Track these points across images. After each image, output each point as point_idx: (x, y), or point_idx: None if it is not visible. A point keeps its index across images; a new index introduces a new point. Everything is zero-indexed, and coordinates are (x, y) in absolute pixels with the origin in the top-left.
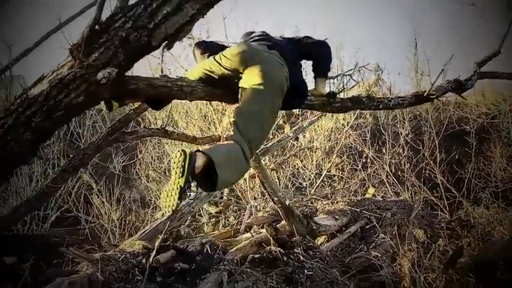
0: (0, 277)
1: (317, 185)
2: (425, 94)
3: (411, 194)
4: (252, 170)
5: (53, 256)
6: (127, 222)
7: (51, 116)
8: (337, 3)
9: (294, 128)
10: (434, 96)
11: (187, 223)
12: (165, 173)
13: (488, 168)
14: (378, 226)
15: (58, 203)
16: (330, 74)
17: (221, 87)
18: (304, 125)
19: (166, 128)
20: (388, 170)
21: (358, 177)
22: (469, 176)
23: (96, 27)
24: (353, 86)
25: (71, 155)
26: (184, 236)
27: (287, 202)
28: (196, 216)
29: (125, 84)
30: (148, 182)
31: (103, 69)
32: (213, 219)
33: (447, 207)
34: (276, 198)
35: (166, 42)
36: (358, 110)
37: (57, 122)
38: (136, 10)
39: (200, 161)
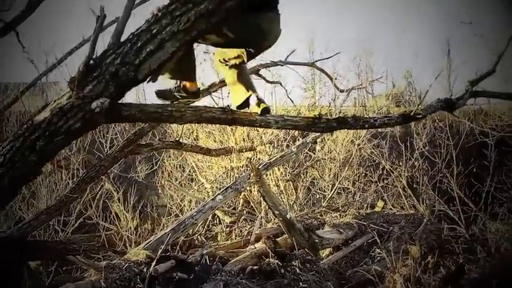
0: (23, 280)
1: (329, 197)
2: (412, 113)
3: (430, 205)
4: None
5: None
6: (143, 229)
7: (53, 140)
8: (365, 9)
9: (297, 144)
10: (421, 115)
11: (203, 232)
12: (189, 181)
13: (509, 181)
14: (379, 241)
15: (80, 210)
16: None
17: None
18: (307, 141)
19: (181, 140)
20: (405, 183)
21: (373, 189)
22: (487, 189)
23: (91, 62)
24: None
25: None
26: (198, 245)
27: (288, 216)
28: (211, 225)
29: (119, 111)
30: (169, 189)
31: (97, 100)
32: (227, 229)
33: (463, 221)
34: (276, 212)
35: (150, 76)
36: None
37: (58, 146)
38: (124, 48)
39: None
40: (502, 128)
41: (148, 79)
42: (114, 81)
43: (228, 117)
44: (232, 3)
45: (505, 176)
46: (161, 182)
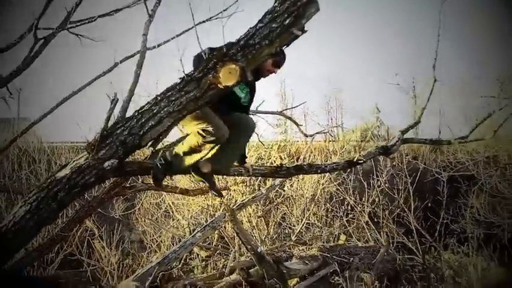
0: None
1: (298, 231)
2: (355, 160)
3: (387, 239)
4: None
5: None
6: (125, 265)
7: (71, 191)
8: (334, 48)
9: (266, 187)
10: (362, 161)
11: (180, 266)
12: (166, 218)
13: (461, 214)
14: (339, 270)
15: (63, 247)
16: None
17: None
18: (276, 183)
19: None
20: (368, 217)
21: (338, 223)
22: (441, 222)
23: (104, 132)
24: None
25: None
26: (176, 278)
27: (259, 249)
28: (188, 260)
29: (123, 168)
30: (146, 226)
31: (108, 160)
32: (203, 263)
33: (420, 252)
34: (249, 246)
35: (151, 142)
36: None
37: (74, 196)
38: (131, 122)
39: None
40: (455, 165)
41: (149, 145)
42: (122, 147)
43: None
44: (213, 91)
45: (458, 209)
46: (138, 219)
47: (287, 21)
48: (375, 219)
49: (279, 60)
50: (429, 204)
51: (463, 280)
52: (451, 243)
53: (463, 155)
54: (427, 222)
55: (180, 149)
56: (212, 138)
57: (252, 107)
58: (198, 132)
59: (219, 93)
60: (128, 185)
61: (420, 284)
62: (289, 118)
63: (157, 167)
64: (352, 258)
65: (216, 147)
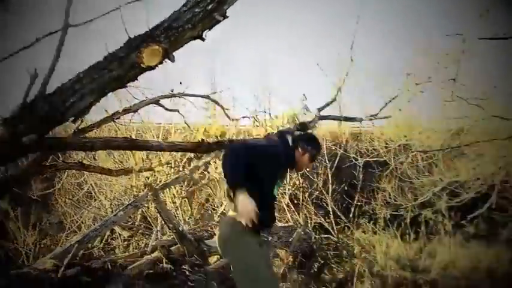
0: None
1: (220, 212)
2: None
3: (305, 219)
4: None
5: None
6: (42, 245)
7: None
8: (264, 33)
9: (190, 167)
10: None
11: (101, 246)
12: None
13: (373, 197)
14: None
15: None
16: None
17: None
18: (200, 164)
19: (83, 161)
20: (288, 199)
21: None
22: (355, 204)
23: (23, 107)
24: None
25: None
26: (96, 257)
27: (180, 228)
28: (110, 240)
29: (43, 143)
30: (66, 207)
31: (27, 135)
32: (125, 243)
33: (335, 231)
34: (170, 225)
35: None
36: None
37: None
38: (53, 98)
39: None
40: (371, 152)
41: (70, 120)
42: (42, 122)
43: (129, 144)
44: (136, 71)
45: (371, 192)
46: (58, 200)
47: (210, 7)
48: (295, 201)
49: (314, 154)
50: (346, 188)
51: (370, 256)
52: (362, 223)
53: (378, 143)
54: (343, 204)
55: None
56: None
57: (180, 90)
58: None
59: (141, 73)
60: (47, 164)
61: (333, 260)
62: (215, 101)
63: None
64: (271, 237)
65: None
